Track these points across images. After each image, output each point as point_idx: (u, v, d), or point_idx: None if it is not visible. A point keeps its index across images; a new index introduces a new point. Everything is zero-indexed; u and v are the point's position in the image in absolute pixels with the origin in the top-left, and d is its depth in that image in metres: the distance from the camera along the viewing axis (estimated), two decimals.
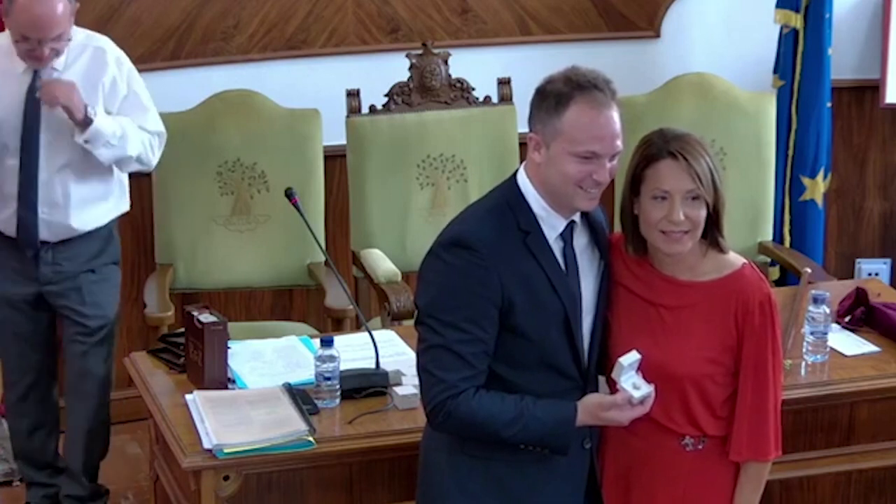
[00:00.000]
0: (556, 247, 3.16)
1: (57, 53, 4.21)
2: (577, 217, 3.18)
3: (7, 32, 4.29)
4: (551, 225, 3.15)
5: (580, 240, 3.21)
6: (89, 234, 4.38)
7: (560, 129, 3.08)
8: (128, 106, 4.37)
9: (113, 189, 4.43)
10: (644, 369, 3.13)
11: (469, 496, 3.17)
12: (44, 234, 4.32)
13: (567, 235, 3.17)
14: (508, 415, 3.10)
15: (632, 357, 3.11)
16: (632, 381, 3.11)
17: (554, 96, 3.15)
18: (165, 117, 4.71)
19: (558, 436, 3.13)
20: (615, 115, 3.14)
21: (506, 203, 3.15)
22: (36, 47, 4.17)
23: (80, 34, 4.31)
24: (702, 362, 3.18)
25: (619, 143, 3.12)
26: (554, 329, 3.15)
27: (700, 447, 3.22)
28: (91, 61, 4.32)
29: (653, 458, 3.23)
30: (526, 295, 3.11)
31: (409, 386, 3.67)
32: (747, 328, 3.17)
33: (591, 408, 3.13)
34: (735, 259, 3.23)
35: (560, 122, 3.09)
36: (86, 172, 4.32)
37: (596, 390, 3.22)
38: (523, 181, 3.16)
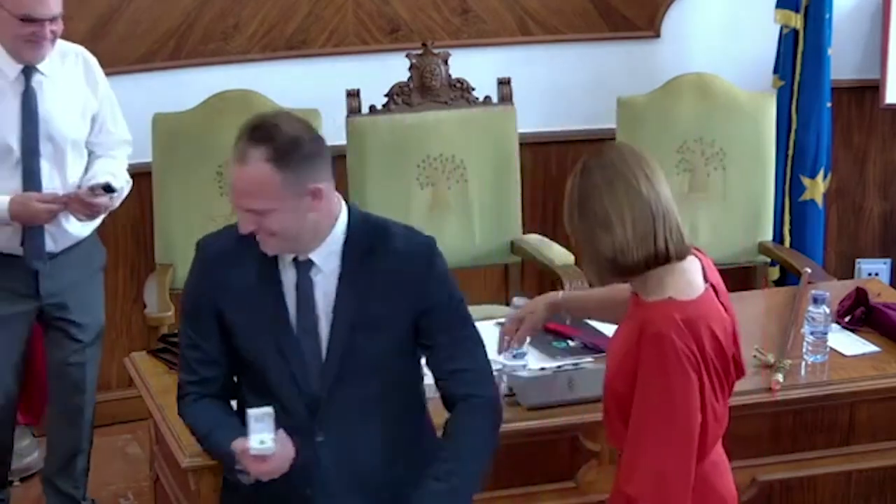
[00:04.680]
0: (290, 272, 3.12)
1: (53, 39, 4.11)
2: (332, 246, 3.12)
3: None
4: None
5: (328, 267, 3.14)
6: (84, 239, 4.33)
7: None
8: (108, 113, 4.32)
9: None
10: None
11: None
12: (48, 245, 4.23)
13: (305, 263, 3.12)
14: (201, 431, 3.19)
15: (261, 410, 3.03)
16: (260, 437, 3.02)
17: None
18: (165, 117, 4.72)
19: (227, 468, 3.16)
20: None
21: None
22: (39, 29, 4.06)
23: None
24: (616, 378, 3.11)
25: None
26: (270, 356, 3.12)
27: None
28: (75, 67, 4.26)
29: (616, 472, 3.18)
30: (244, 312, 3.11)
31: None
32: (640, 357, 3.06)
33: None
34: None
35: None
36: (78, 177, 4.25)
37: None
38: None
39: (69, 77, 4.24)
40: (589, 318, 3.66)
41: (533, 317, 3.58)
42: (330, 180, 3.12)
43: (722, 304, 3.15)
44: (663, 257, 3.05)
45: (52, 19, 4.08)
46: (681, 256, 3.07)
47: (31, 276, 4.25)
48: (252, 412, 3.03)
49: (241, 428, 3.07)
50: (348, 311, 3.12)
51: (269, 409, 3.04)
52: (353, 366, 3.12)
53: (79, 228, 4.28)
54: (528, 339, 3.65)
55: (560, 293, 3.64)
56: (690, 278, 3.09)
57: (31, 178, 4.17)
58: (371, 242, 3.15)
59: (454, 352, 3.17)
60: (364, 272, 3.13)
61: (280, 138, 2.99)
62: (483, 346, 3.25)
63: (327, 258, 3.12)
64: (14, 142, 4.14)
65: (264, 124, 3.04)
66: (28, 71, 4.15)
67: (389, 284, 3.13)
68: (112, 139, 4.35)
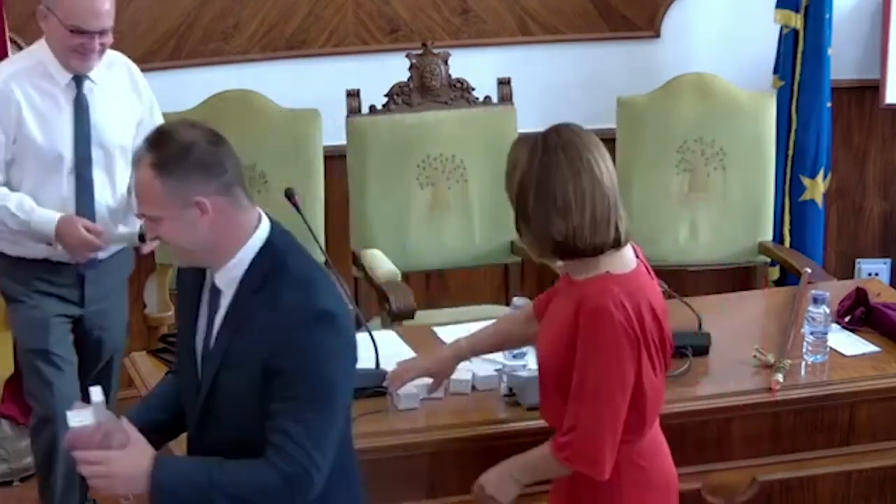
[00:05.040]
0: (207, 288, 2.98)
1: (102, 50, 4.10)
2: (235, 272, 2.91)
3: (29, 53, 4.18)
4: None
5: (228, 293, 2.93)
6: (125, 247, 4.33)
7: None
8: (151, 121, 4.29)
9: None
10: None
11: None
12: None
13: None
14: None
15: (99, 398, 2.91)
16: (80, 415, 2.86)
17: None
18: (165, 117, 4.69)
19: None
20: None
21: None
22: (88, 41, 4.04)
23: None
24: (554, 355, 3.18)
25: None
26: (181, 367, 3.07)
27: None
28: (120, 74, 4.26)
29: None
30: (182, 312, 3.06)
31: (409, 385, 3.67)
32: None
33: None
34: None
35: None
36: (122, 181, 4.24)
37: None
38: None
39: (116, 85, 4.24)
40: (491, 353, 3.67)
41: (444, 372, 3.58)
42: (227, 195, 2.87)
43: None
44: (616, 242, 3.13)
45: (102, 32, 4.07)
46: (626, 240, 3.16)
47: (77, 282, 4.25)
48: (94, 390, 2.92)
49: (154, 407, 3.06)
50: (220, 347, 2.90)
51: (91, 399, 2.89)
52: (214, 406, 2.92)
53: (126, 230, 4.27)
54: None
55: (463, 341, 3.59)
56: (624, 258, 3.17)
57: (84, 187, 4.16)
58: (263, 280, 2.89)
59: (279, 423, 2.82)
60: (250, 308, 2.88)
61: (169, 145, 2.84)
62: (317, 431, 2.85)
63: (229, 283, 2.91)
64: (67, 150, 4.13)
65: (162, 129, 2.92)
66: (79, 78, 4.14)
67: (260, 329, 2.85)
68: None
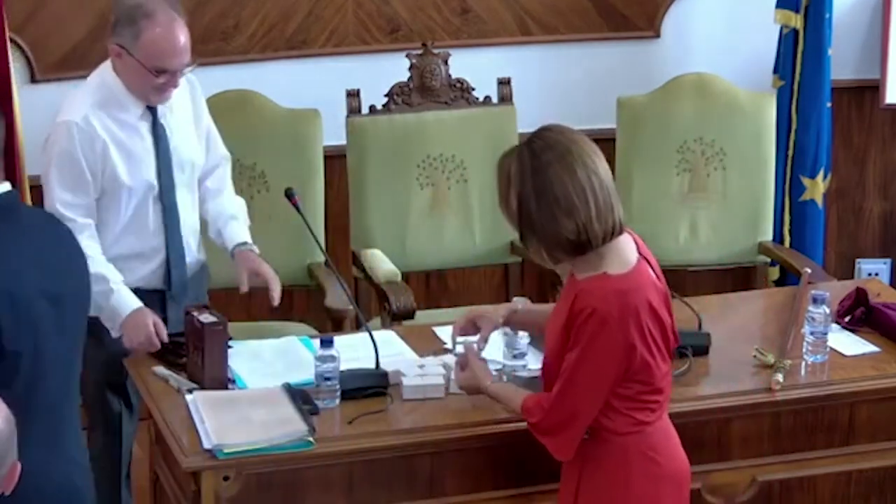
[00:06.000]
0: None
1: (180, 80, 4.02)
2: None
3: (98, 85, 4.02)
4: None
5: None
6: (203, 264, 4.28)
7: None
8: (211, 136, 4.24)
9: None
10: None
11: None
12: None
13: None
14: None
15: None
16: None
17: None
18: None
19: None
20: None
21: None
22: (171, 78, 3.93)
23: None
24: (556, 356, 3.25)
25: None
26: None
27: (585, 436, 3.27)
28: (183, 90, 4.13)
29: None
30: None
31: (415, 378, 3.68)
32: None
33: None
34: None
35: None
36: (199, 203, 4.20)
37: None
38: None
39: (182, 103, 4.15)
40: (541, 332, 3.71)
41: (492, 319, 3.66)
42: None
43: (657, 276, 3.28)
44: (619, 228, 3.18)
45: (189, 64, 3.99)
46: (623, 226, 3.22)
47: (160, 305, 4.11)
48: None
49: None
50: None
51: None
52: None
53: (202, 253, 4.23)
54: (483, 345, 3.68)
55: (519, 304, 3.73)
56: (624, 254, 3.22)
57: (170, 213, 4.07)
58: None
59: None
60: None
61: None
62: None
63: None
64: (153, 177, 4.04)
65: None
66: (152, 107, 4.03)
67: None
68: (216, 154, 4.26)
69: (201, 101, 4.25)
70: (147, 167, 4.04)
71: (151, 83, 3.94)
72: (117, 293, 3.96)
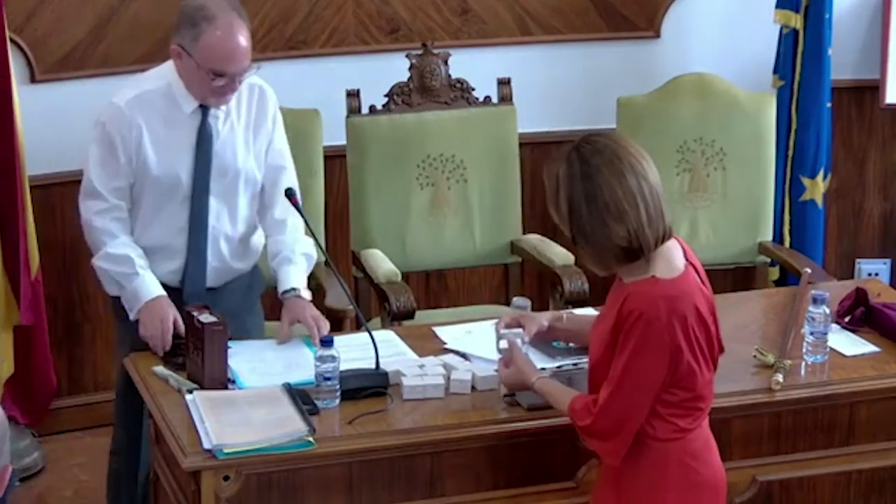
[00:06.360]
0: None
1: (239, 85, 3.98)
2: None
3: (160, 74, 4.03)
4: None
5: None
6: (245, 272, 4.22)
7: None
8: (273, 157, 4.17)
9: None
10: None
11: None
12: (210, 280, 4.12)
13: None
14: None
15: None
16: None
17: None
18: None
19: None
20: None
21: None
22: (229, 82, 3.90)
23: None
24: (596, 353, 3.26)
25: None
26: None
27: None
28: (250, 98, 4.09)
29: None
30: None
31: (415, 378, 3.68)
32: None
33: None
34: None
35: None
36: (246, 214, 4.14)
37: None
38: None
39: (244, 110, 4.09)
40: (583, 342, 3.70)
41: (537, 319, 3.68)
42: None
43: (703, 282, 3.27)
44: (668, 233, 3.17)
45: (243, 70, 3.95)
46: (672, 232, 3.21)
47: (178, 305, 4.03)
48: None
49: None
50: None
51: None
52: None
53: (243, 264, 4.19)
54: (526, 339, 3.68)
55: (564, 313, 3.77)
56: (672, 260, 3.20)
57: (197, 216, 4.04)
58: None
59: None
60: None
61: None
62: None
63: None
64: (185, 175, 4.01)
65: None
66: (205, 106, 4.01)
67: None
68: (273, 167, 4.18)
69: (269, 110, 4.15)
70: (182, 164, 4.02)
71: (209, 86, 3.93)
72: (141, 278, 4.00)
